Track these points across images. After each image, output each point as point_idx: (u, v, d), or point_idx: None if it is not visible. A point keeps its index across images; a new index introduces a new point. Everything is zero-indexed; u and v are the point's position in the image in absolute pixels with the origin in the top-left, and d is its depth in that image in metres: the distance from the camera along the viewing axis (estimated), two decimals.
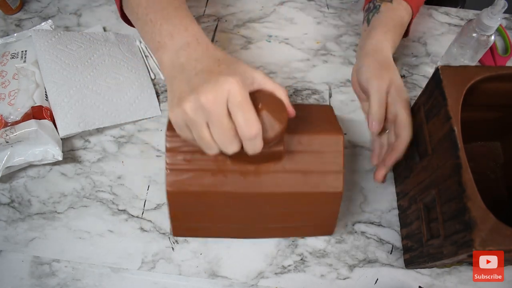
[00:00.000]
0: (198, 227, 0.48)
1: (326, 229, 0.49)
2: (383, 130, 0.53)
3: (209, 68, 0.39)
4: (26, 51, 0.63)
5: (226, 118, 0.36)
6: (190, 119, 0.37)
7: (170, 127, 0.43)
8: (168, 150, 0.43)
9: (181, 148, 0.43)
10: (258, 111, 0.37)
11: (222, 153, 0.39)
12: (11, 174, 0.58)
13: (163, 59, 0.43)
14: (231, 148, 0.38)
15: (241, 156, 0.40)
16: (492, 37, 0.55)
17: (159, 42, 0.43)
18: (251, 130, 0.36)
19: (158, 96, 0.64)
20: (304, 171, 0.45)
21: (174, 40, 0.42)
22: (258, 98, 0.38)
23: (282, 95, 0.40)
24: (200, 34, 0.43)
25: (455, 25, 0.70)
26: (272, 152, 0.42)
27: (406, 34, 0.61)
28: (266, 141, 0.38)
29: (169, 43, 0.42)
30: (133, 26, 0.50)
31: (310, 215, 0.47)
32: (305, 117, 0.47)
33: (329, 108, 0.51)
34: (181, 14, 0.45)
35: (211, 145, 0.38)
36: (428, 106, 0.46)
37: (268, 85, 0.40)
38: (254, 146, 0.38)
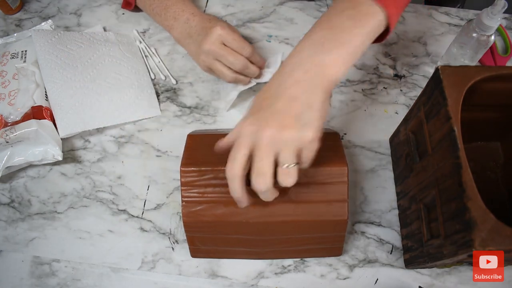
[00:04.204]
0: (213, 250, 0.51)
1: (333, 252, 0.51)
2: None
3: (204, 26, 0.58)
4: (26, 51, 0.63)
5: (227, 51, 0.55)
6: (208, 64, 0.57)
7: (184, 162, 0.47)
8: (183, 184, 0.47)
9: (195, 182, 0.47)
10: None
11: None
12: (11, 174, 0.58)
13: (174, 35, 0.63)
14: (244, 64, 0.55)
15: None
16: (492, 37, 0.55)
17: (168, 25, 0.62)
18: (245, 49, 0.55)
19: (158, 96, 0.64)
20: (310, 201, 0.47)
21: (177, 21, 0.61)
22: None
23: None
24: (194, 9, 0.61)
25: (455, 25, 0.69)
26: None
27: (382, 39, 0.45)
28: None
29: (175, 24, 0.61)
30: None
31: (317, 240, 0.49)
32: None
33: (335, 135, 0.51)
34: (176, 1, 0.62)
35: (227, 72, 0.56)
36: (428, 106, 0.46)
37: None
38: (251, 58, 0.56)
